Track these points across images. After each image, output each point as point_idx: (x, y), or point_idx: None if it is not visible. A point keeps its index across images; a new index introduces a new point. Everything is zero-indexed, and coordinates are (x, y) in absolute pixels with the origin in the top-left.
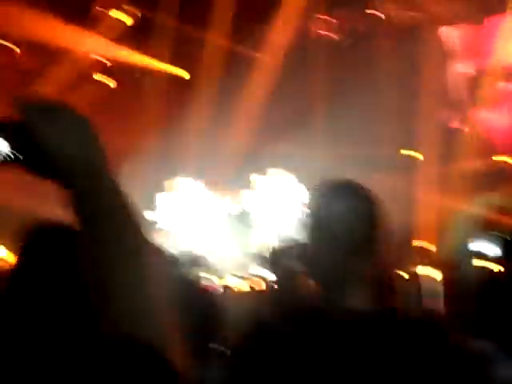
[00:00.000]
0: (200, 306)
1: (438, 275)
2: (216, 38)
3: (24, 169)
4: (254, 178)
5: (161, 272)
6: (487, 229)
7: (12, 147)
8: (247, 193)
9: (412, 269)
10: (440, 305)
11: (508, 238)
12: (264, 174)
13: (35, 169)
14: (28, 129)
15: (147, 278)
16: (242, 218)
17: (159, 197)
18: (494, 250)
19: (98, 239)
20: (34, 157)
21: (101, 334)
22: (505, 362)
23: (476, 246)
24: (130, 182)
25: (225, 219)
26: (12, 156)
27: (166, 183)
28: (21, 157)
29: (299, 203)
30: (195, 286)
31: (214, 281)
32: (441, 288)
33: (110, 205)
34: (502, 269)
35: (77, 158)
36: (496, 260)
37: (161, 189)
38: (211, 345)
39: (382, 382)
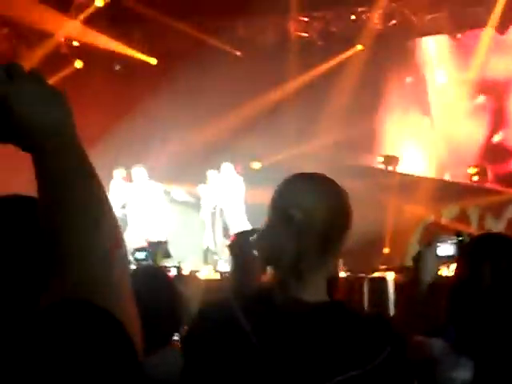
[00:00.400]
0: (166, 295)
1: (391, 277)
2: (191, 30)
3: None
4: (211, 172)
5: (122, 246)
6: (449, 234)
7: None
8: (203, 186)
9: (378, 272)
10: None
11: (465, 240)
12: (218, 169)
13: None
14: None
15: (109, 245)
16: (198, 210)
17: (113, 184)
18: (453, 251)
19: (63, 200)
20: None
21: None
22: (456, 363)
23: (439, 249)
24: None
25: (180, 211)
26: None
27: (117, 172)
28: None
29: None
30: (161, 274)
31: (174, 269)
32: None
33: (78, 166)
34: (459, 267)
35: (46, 118)
36: (454, 259)
37: (112, 176)
38: (175, 335)
39: (323, 374)
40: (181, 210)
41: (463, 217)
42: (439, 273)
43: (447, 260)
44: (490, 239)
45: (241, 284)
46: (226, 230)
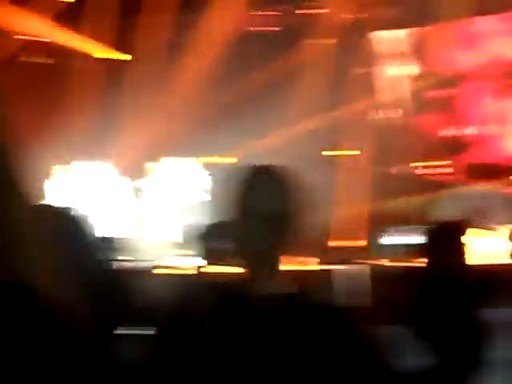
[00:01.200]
0: (111, 284)
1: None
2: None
3: None
4: (155, 165)
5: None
6: (408, 224)
7: None
8: (151, 178)
9: (325, 263)
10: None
11: (421, 228)
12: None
13: None
14: None
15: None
16: (150, 202)
17: (49, 183)
18: (413, 240)
19: None
20: None
21: None
22: (416, 349)
23: (387, 239)
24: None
25: (132, 204)
26: None
27: (58, 168)
28: None
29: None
30: (106, 266)
31: (131, 264)
32: (356, 280)
33: None
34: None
35: None
36: (416, 248)
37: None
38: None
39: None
40: (134, 203)
41: (406, 209)
42: (398, 262)
43: (402, 249)
44: (444, 228)
45: (205, 276)
46: (185, 225)
